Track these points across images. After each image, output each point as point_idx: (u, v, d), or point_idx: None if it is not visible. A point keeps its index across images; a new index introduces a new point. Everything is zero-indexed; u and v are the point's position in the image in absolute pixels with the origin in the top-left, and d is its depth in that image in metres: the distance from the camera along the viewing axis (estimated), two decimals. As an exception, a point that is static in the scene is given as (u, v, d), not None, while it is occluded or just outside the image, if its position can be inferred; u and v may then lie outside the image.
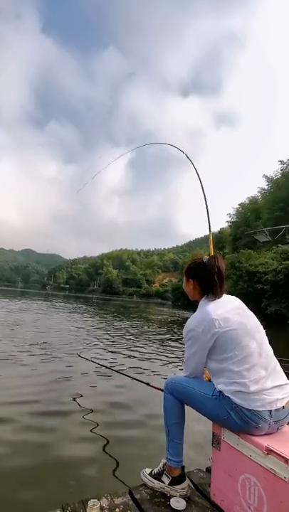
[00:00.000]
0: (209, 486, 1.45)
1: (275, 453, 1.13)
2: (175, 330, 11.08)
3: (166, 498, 1.37)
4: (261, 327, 1.43)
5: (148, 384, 2.55)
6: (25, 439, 2.14)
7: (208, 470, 1.59)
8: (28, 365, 4.08)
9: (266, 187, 43.27)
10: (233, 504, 1.27)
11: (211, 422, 1.42)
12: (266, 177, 42.81)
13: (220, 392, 1.31)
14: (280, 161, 39.42)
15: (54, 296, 39.20)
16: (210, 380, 1.42)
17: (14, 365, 4.01)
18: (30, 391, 3.11)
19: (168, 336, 9.25)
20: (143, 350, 6.22)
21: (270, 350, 1.39)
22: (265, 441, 1.20)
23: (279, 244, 21.64)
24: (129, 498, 1.36)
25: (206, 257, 1.50)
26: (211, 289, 1.42)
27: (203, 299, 1.47)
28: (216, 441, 1.38)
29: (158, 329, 10.83)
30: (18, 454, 1.96)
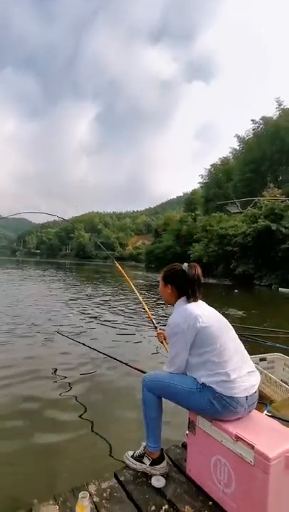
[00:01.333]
0: (185, 461, 1.63)
1: (243, 440, 1.29)
2: (147, 294, 11.45)
3: (148, 477, 1.53)
4: (230, 325, 1.57)
5: (127, 364, 2.70)
6: (4, 424, 2.24)
7: (184, 446, 1.78)
8: (6, 344, 4.12)
9: (238, 147, 43.09)
10: (206, 479, 1.46)
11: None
12: (238, 137, 42.40)
13: (202, 383, 1.42)
14: (252, 120, 38.97)
15: (25, 262, 38.33)
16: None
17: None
18: (8, 372, 3.18)
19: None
20: (120, 319, 6.43)
21: (240, 342, 1.54)
22: (234, 429, 1.36)
23: (248, 208, 22.19)
24: (115, 481, 1.52)
25: (185, 265, 1.59)
26: (192, 295, 1.54)
27: (180, 300, 1.58)
28: (192, 427, 1.54)
29: (132, 295, 11.12)
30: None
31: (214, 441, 1.41)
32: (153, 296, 10.89)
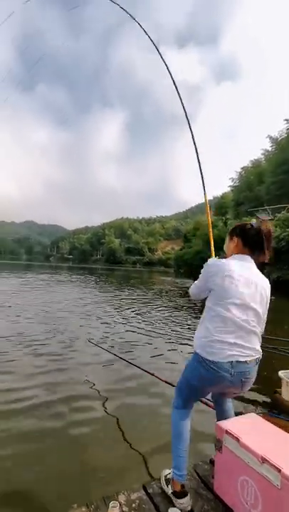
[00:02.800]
0: (212, 477, 1.65)
1: (270, 462, 1.29)
2: (180, 303, 11.40)
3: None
4: (263, 303, 1.58)
5: (153, 374, 2.76)
6: (39, 427, 2.39)
7: (212, 462, 1.80)
8: (40, 353, 4.34)
9: (270, 148, 41.73)
10: (233, 498, 1.47)
11: (215, 422, 1.61)
12: (270, 138, 41.10)
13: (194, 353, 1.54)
14: (286, 120, 37.54)
15: (58, 268, 39.90)
16: None
17: (25, 353, 4.26)
18: (40, 379, 3.36)
19: (173, 312, 9.55)
20: (150, 329, 6.49)
21: (257, 323, 1.53)
22: (261, 449, 1.36)
23: (282, 211, 21.35)
24: (144, 493, 1.57)
25: (254, 221, 1.61)
26: (258, 249, 1.56)
27: (237, 255, 1.60)
28: (218, 445, 1.56)
29: (163, 303, 11.15)
30: (35, 448, 2.20)
31: (240, 462, 1.43)
32: (181, 305, 10.84)
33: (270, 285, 1.63)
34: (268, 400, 3.22)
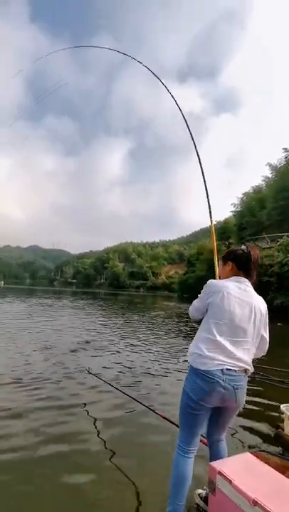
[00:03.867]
0: (207, 521, 1.63)
1: (261, 505, 1.30)
2: (184, 330, 11.28)
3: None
4: (258, 323, 1.71)
5: (154, 411, 2.74)
6: (32, 466, 2.35)
7: (205, 500, 1.76)
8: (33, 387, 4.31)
9: (270, 175, 42.79)
10: None
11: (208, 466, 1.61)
12: (270, 165, 42.29)
13: (189, 366, 1.69)
14: (284, 149, 38.78)
15: (62, 292, 39.79)
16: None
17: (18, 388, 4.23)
18: (37, 409, 3.32)
19: (176, 339, 9.44)
20: (151, 358, 6.42)
21: (252, 344, 1.70)
22: (254, 492, 1.37)
23: (285, 235, 21.51)
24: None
25: (243, 247, 1.80)
26: (248, 273, 1.76)
27: (233, 277, 1.77)
28: (212, 487, 1.55)
29: (166, 329, 11.03)
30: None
31: (233, 504, 1.42)
32: (186, 332, 10.70)
33: (266, 304, 1.78)
34: (270, 435, 3.13)
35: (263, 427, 3.33)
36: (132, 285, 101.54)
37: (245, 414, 3.66)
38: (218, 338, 1.63)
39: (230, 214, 50.68)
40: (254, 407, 3.89)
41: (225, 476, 1.48)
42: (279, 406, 3.11)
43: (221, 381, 1.59)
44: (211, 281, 1.76)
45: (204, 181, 2.79)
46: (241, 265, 1.74)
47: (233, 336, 1.64)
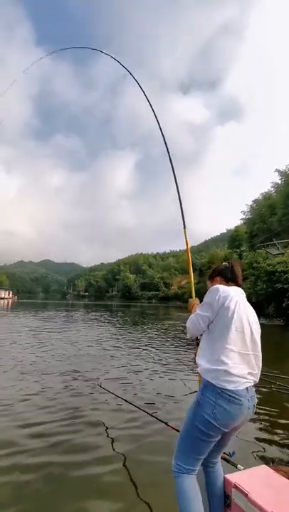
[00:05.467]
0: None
1: (278, 520, 1.26)
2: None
3: None
4: (258, 333, 1.61)
5: (166, 424, 2.70)
6: (41, 480, 2.34)
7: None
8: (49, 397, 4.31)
9: (280, 181, 42.44)
10: None
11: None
12: (279, 171, 41.99)
13: (203, 386, 1.49)
14: (292, 155, 38.54)
15: (74, 306, 40.01)
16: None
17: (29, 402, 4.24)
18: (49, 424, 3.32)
19: (187, 351, 9.32)
20: (165, 371, 6.35)
21: (259, 348, 1.58)
22: (270, 505, 1.33)
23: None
24: None
25: (225, 263, 1.82)
26: (235, 280, 1.74)
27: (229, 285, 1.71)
28: (227, 501, 1.52)
29: (181, 342, 10.90)
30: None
31: (250, 519, 1.38)
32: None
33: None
34: (286, 449, 3.02)
35: (281, 439, 3.22)
36: (144, 296, 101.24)
37: (263, 425, 3.56)
38: (242, 350, 1.49)
39: (241, 222, 50.34)
40: (271, 418, 3.77)
41: (241, 489, 1.45)
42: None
43: (246, 401, 1.45)
44: (217, 286, 1.61)
45: (178, 192, 2.83)
46: (227, 278, 1.74)
47: (254, 348, 1.53)
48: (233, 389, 1.42)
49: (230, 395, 1.41)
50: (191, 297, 2.16)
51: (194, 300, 2.04)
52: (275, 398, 4.35)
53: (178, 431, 2.52)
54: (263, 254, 26.66)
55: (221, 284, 1.71)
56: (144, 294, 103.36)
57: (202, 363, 1.53)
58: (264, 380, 4.75)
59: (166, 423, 2.68)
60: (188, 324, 1.65)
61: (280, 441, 3.18)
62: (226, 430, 1.47)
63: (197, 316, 1.59)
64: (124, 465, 2.60)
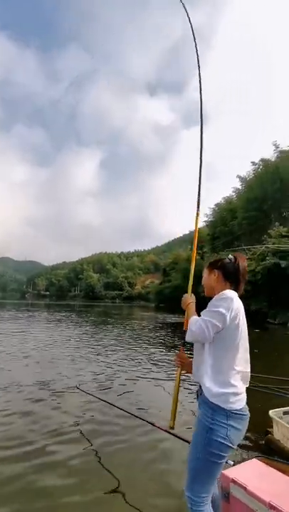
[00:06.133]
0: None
1: (277, 509, 1.36)
2: (165, 340, 11.33)
3: None
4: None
5: (153, 424, 2.75)
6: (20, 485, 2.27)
7: None
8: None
9: (240, 187, 44.77)
10: None
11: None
12: (240, 177, 44.27)
13: (211, 410, 1.41)
14: (252, 162, 40.88)
15: (34, 306, 38.40)
16: None
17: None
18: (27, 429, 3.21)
19: (156, 350, 9.47)
20: (137, 369, 6.39)
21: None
22: (269, 496, 1.43)
23: (264, 246, 22.48)
24: None
25: (231, 256, 1.64)
26: (238, 284, 1.59)
27: (230, 290, 1.56)
28: (225, 495, 1.60)
29: (147, 341, 11.02)
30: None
31: (249, 510, 1.48)
32: (167, 342, 10.74)
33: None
34: (262, 442, 3.23)
35: (252, 434, 3.42)
36: (108, 296, 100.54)
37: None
38: (245, 369, 1.50)
39: (204, 224, 52.14)
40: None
41: (239, 483, 1.54)
42: (266, 412, 3.23)
43: (247, 417, 1.46)
44: (231, 295, 1.49)
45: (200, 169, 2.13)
46: (228, 275, 1.60)
47: (246, 361, 1.52)
48: (240, 407, 1.43)
49: (239, 414, 1.42)
50: (186, 293, 1.85)
51: (190, 298, 1.78)
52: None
53: (165, 430, 2.58)
54: (226, 255, 27.84)
55: (218, 280, 1.61)
56: (107, 294, 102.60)
57: (210, 386, 1.44)
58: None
59: (152, 423, 2.72)
60: (194, 328, 1.47)
61: (250, 436, 3.38)
62: (235, 448, 1.49)
63: (207, 323, 1.44)
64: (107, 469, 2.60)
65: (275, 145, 37.82)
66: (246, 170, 46.31)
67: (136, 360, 7.15)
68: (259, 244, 21.92)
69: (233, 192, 46.69)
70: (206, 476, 1.44)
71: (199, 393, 1.53)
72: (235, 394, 1.42)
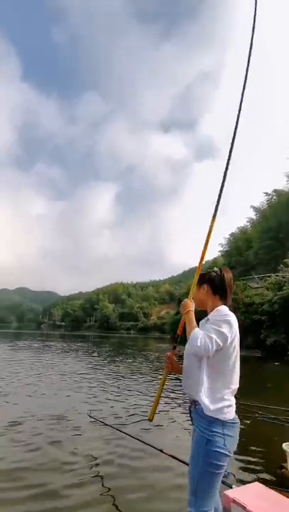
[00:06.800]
0: None
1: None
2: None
3: None
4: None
5: (161, 451, 2.79)
6: None
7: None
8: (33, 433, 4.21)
9: (254, 217, 45.11)
10: None
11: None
12: (254, 207, 44.83)
13: (208, 422, 1.49)
14: (265, 193, 41.56)
15: (49, 336, 38.37)
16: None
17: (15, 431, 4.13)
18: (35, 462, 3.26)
19: (175, 382, 9.31)
20: (148, 399, 6.32)
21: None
22: (266, 515, 1.49)
23: (274, 275, 22.18)
24: None
25: (216, 269, 1.75)
26: (226, 296, 1.69)
27: (223, 306, 1.66)
28: (227, 516, 1.66)
29: (160, 371, 10.82)
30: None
31: (249, 530, 1.53)
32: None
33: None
34: (273, 477, 3.12)
35: (266, 467, 3.32)
36: (123, 327, 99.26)
37: (247, 453, 3.67)
38: (237, 385, 1.59)
39: (219, 254, 52.10)
40: (255, 448, 3.89)
41: (239, 502, 1.60)
42: (280, 445, 3.16)
43: (238, 426, 1.58)
44: (231, 314, 1.59)
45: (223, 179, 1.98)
46: (216, 288, 1.68)
47: (237, 377, 1.61)
48: (232, 417, 1.54)
49: (232, 423, 1.53)
50: (187, 298, 1.82)
51: (191, 304, 1.76)
52: (259, 426, 4.51)
53: (173, 457, 2.62)
54: (241, 285, 27.50)
55: (207, 294, 1.71)
56: (122, 325, 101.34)
57: (206, 402, 1.51)
58: (249, 410, 4.91)
59: (160, 450, 2.76)
60: (199, 344, 1.50)
61: (262, 469, 3.29)
62: (231, 455, 1.54)
63: (213, 340, 1.50)
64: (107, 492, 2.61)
65: (288, 176, 38.45)
66: (260, 200, 46.81)
67: (151, 391, 7.06)
68: (272, 274, 21.62)
69: (248, 222, 47.04)
70: (206, 488, 1.49)
71: (192, 408, 1.63)
72: (229, 406, 1.53)
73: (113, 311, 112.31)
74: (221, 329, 1.52)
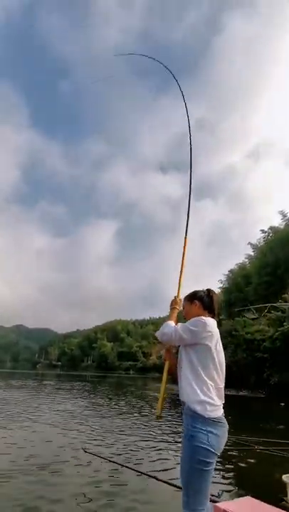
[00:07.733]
0: None
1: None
2: (179, 411, 10.66)
3: None
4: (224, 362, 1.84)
5: (156, 478, 2.74)
6: None
7: None
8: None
9: (252, 253, 45.74)
10: None
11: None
12: (251, 244, 45.62)
13: (191, 419, 1.62)
14: (262, 230, 42.63)
15: (44, 376, 36.84)
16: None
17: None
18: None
19: (172, 422, 8.96)
20: (150, 442, 6.08)
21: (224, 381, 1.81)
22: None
23: (272, 311, 22.03)
24: None
25: (204, 290, 1.99)
26: (214, 311, 1.92)
27: (207, 316, 1.87)
28: (218, 528, 1.67)
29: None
30: None
31: (239, 540, 1.55)
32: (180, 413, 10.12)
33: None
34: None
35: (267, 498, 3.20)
36: (121, 367, 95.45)
37: (247, 485, 3.53)
38: (218, 385, 1.71)
39: (218, 290, 51.88)
40: (255, 479, 3.75)
41: (229, 512, 1.63)
42: (280, 477, 3.08)
43: (226, 426, 1.66)
44: (208, 320, 1.78)
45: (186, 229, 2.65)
46: (206, 304, 1.91)
47: (223, 381, 1.77)
48: (217, 416, 1.64)
49: (217, 421, 1.62)
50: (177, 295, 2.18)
51: (179, 303, 2.09)
52: (257, 455, 4.38)
53: (168, 483, 2.58)
54: (242, 322, 27.13)
55: (199, 309, 1.91)
56: (121, 365, 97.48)
57: (190, 400, 1.67)
58: (247, 444, 4.78)
59: (154, 477, 2.72)
60: (165, 330, 1.81)
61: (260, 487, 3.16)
62: (218, 454, 1.63)
63: (177, 332, 1.75)
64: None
65: (282, 213, 39.76)
66: (256, 237, 47.82)
67: (149, 431, 6.78)
68: (266, 304, 21.46)
69: (246, 258, 47.54)
70: (197, 486, 1.55)
71: (182, 409, 1.77)
72: (212, 404, 1.64)
73: (112, 350, 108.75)
74: (190, 327, 1.74)
